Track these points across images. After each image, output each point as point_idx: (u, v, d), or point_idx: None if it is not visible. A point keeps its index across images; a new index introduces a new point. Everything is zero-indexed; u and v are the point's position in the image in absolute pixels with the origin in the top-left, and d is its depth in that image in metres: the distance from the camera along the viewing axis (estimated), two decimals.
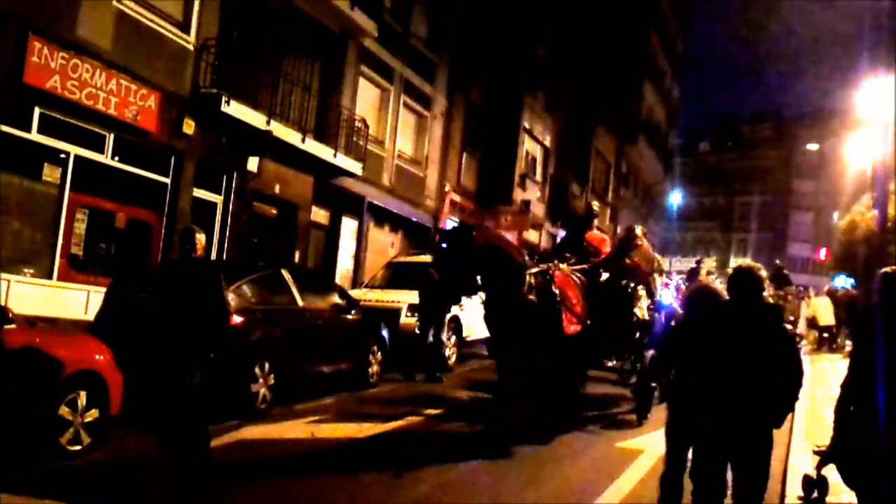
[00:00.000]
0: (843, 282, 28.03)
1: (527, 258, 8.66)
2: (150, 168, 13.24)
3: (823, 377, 14.19)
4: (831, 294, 22.99)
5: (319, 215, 18.51)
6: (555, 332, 8.32)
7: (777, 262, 25.45)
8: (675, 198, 52.45)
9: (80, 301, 11.63)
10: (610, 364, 11.22)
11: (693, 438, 5.02)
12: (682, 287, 13.73)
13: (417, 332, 12.82)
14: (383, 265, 16.70)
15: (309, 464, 7.05)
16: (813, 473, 6.20)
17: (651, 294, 10.80)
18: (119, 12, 12.17)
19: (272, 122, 14.81)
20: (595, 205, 11.60)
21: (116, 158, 12.53)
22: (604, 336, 9.47)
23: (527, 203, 27.22)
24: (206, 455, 6.04)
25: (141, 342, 6.10)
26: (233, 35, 14.48)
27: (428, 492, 6.29)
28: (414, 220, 22.31)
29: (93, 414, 6.69)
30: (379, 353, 11.77)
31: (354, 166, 17.81)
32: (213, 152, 14.37)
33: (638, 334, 10.26)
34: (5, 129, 10.58)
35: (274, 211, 16.88)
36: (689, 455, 5.10)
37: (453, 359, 13.91)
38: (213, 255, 14.76)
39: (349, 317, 11.30)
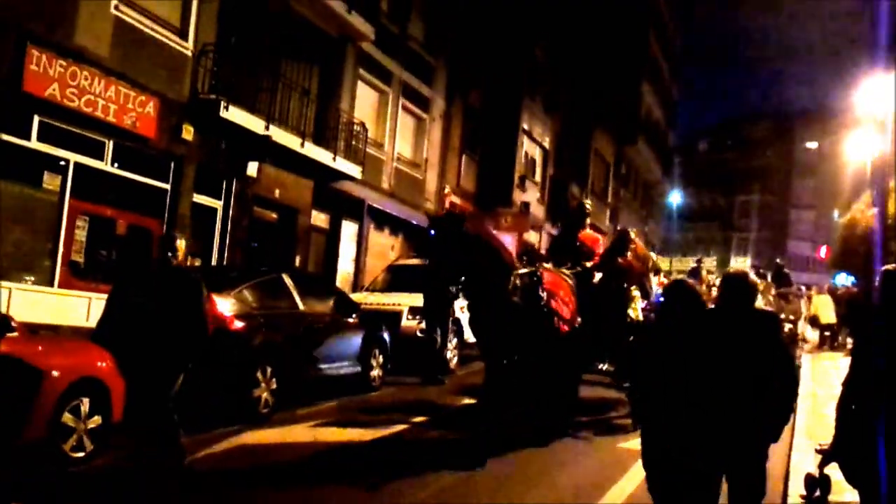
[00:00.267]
0: (844, 279, 28.06)
1: (515, 259, 8.54)
2: (149, 174, 13.25)
3: (825, 375, 14.19)
4: (832, 292, 23.02)
5: (319, 219, 18.52)
6: (542, 334, 8.20)
7: (778, 260, 25.50)
8: (675, 198, 52.52)
9: (82, 308, 11.64)
10: (603, 367, 10.98)
11: (678, 462, 4.47)
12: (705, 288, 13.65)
13: (420, 333, 12.78)
14: (384, 268, 16.70)
15: (311, 469, 7.05)
16: (815, 472, 6.21)
17: (646, 294, 10.73)
18: (117, 19, 12.18)
19: (271, 126, 14.82)
20: (588, 203, 11.17)
21: (116, 165, 12.55)
22: (597, 338, 9.28)
23: (526, 204, 27.23)
24: (177, 462, 6.10)
25: (129, 347, 6.13)
26: (231, 40, 14.51)
27: (430, 495, 6.30)
28: (414, 222, 22.31)
29: (95, 420, 6.69)
30: (381, 357, 11.77)
31: (354, 170, 17.83)
32: (213, 158, 14.39)
33: (632, 336, 10.15)
34: (5, 137, 10.58)
35: (274, 215, 16.90)
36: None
37: (454, 361, 13.88)
38: (214, 261, 14.79)
39: (350, 320, 11.31)
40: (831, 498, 6.04)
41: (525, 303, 7.94)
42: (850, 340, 18.42)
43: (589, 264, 9.77)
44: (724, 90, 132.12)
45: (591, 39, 32.88)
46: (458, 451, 7.35)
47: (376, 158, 20.24)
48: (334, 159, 16.96)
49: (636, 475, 7.12)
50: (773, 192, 68.65)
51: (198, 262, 14.49)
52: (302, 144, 15.86)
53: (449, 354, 13.48)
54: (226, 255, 14.97)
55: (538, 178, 30.05)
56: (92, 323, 9.78)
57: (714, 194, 68.78)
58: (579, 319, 8.88)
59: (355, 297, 13.51)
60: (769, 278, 19.74)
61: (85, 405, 6.62)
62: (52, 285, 11.47)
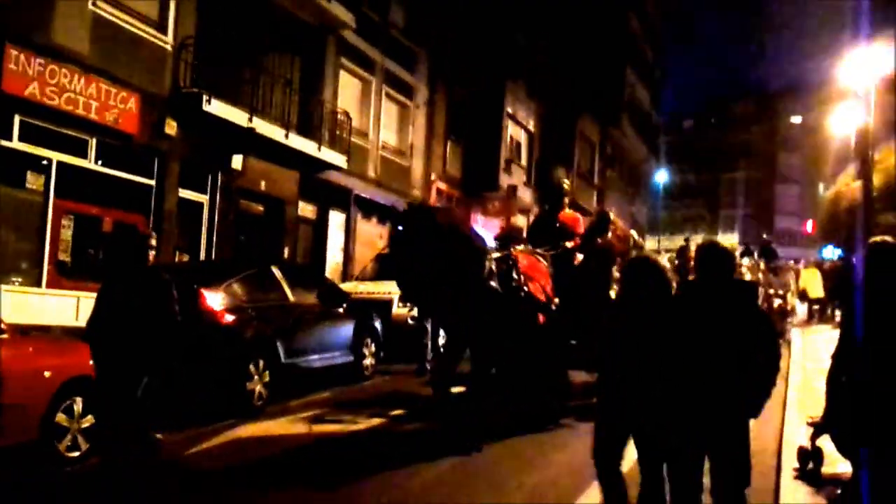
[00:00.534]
0: (831, 253, 28.22)
1: (486, 244, 8.41)
2: (134, 171, 13.18)
3: (814, 349, 14.29)
4: (819, 265, 23.17)
5: (306, 210, 18.48)
6: (520, 318, 8.16)
7: (764, 235, 25.67)
8: (661, 177, 52.43)
9: (71, 307, 11.59)
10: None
11: (652, 438, 4.38)
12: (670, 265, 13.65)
13: (411, 321, 12.76)
14: (373, 257, 16.68)
15: (307, 460, 7.07)
16: (808, 445, 6.26)
17: None
18: (95, 16, 12.08)
19: (255, 118, 14.74)
20: (565, 182, 10.78)
21: (100, 163, 12.48)
22: (576, 319, 8.91)
23: (513, 188, 27.21)
24: (149, 456, 6.08)
25: (114, 345, 6.08)
26: (211, 33, 14.40)
27: (425, 483, 6.31)
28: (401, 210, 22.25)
29: (89, 420, 6.68)
30: (373, 346, 11.80)
31: (339, 159, 17.78)
32: (197, 152, 14.31)
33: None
34: None
35: (260, 208, 16.86)
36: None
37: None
38: (202, 255, 14.75)
39: (341, 310, 11.30)
40: (824, 469, 6.08)
41: (502, 287, 7.89)
42: (838, 313, 18.54)
43: (569, 244, 9.64)
44: (707, 68, 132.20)
45: (572, 23, 32.81)
46: (454, 437, 7.36)
47: (361, 147, 20.17)
48: (319, 149, 16.91)
49: (628, 455, 7.18)
50: (759, 168, 68.87)
51: (186, 258, 14.47)
52: (286, 136, 15.79)
53: (441, 342, 13.42)
54: (214, 249, 14.91)
55: (524, 161, 30.03)
56: (81, 322, 9.72)
57: (700, 172, 68.88)
58: (556, 300, 8.82)
59: (345, 286, 13.51)
60: (756, 255, 19.82)
61: (78, 404, 6.61)
62: (39, 285, 11.43)
